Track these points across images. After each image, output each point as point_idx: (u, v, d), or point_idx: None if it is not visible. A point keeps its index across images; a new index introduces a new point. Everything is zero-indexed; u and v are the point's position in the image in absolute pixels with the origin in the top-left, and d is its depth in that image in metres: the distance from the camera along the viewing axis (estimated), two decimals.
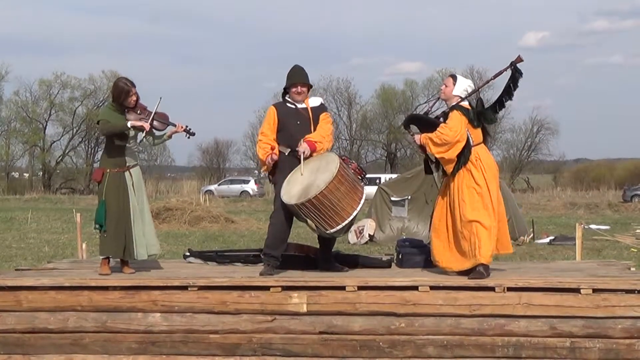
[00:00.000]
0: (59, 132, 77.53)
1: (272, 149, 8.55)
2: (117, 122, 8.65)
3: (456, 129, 8.14)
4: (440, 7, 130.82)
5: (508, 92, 8.31)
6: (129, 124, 8.58)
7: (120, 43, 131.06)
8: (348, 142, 79.60)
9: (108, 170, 8.71)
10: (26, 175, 79.59)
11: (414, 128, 8.58)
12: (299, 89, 8.70)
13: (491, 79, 8.67)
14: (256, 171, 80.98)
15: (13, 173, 79.09)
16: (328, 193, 8.06)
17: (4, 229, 25.60)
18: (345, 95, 79.03)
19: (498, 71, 8.35)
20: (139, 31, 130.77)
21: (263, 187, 61.29)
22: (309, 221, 8.28)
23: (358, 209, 8.32)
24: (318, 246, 8.85)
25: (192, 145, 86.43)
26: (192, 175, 78.44)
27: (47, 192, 64.69)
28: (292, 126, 8.62)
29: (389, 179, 33.81)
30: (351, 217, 8.31)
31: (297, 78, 8.74)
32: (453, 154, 8.18)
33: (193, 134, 8.94)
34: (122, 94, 8.70)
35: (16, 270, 9.76)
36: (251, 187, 61.76)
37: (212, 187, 60.47)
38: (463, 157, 8.21)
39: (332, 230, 8.31)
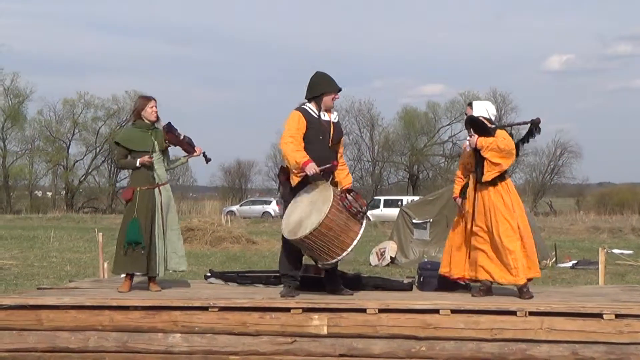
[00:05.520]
0: (82, 152, 77.91)
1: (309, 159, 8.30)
2: (127, 163, 9.01)
3: (512, 143, 8.48)
4: (463, 29, 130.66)
5: (525, 140, 8.81)
6: (137, 163, 8.85)
7: (143, 64, 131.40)
8: (370, 163, 79.50)
9: (138, 189, 8.82)
10: (49, 194, 79.85)
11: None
12: (337, 95, 8.61)
13: (511, 124, 9.08)
14: (278, 192, 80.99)
15: (36, 192, 79.34)
16: (313, 237, 8.07)
17: (27, 247, 25.67)
18: (367, 116, 78.94)
19: (520, 122, 9.02)
20: (161, 52, 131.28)
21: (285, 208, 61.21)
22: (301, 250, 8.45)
23: (349, 249, 8.26)
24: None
25: (215, 166, 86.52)
26: (214, 195, 78.32)
27: (69, 211, 64.84)
28: (316, 142, 8.45)
29: (411, 201, 33.74)
30: (341, 257, 8.28)
31: (335, 86, 8.57)
32: (508, 163, 8.49)
33: (210, 160, 9.41)
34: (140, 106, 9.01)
35: (38, 289, 9.81)
36: (273, 208, 61.64)
37: (234, 208, 60.46)
38: (506, 172, 8.61)
39: (322, 263, 8.40)
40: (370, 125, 79.19)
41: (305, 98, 8.63)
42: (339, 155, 8.72)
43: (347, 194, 8.32)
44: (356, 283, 8.97)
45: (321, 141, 8.50)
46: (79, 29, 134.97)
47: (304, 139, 8.42)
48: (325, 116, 8.59)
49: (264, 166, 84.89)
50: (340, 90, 8.64)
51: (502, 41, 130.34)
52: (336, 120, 8.73)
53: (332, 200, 8.13)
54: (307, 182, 8.42)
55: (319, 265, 8.48)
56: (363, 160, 79.16)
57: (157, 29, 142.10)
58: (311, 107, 8.56)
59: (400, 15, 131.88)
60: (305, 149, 8.40)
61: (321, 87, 8.56)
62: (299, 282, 8.56)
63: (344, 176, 8.72)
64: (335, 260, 8.27)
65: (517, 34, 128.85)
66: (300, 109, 8.58)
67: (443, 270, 8.91)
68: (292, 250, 8.50)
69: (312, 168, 8.25)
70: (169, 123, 9.09)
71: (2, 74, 73.62)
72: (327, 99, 8.55)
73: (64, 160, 76.75)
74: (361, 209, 8.29)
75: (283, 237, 8.53)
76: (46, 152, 76.39)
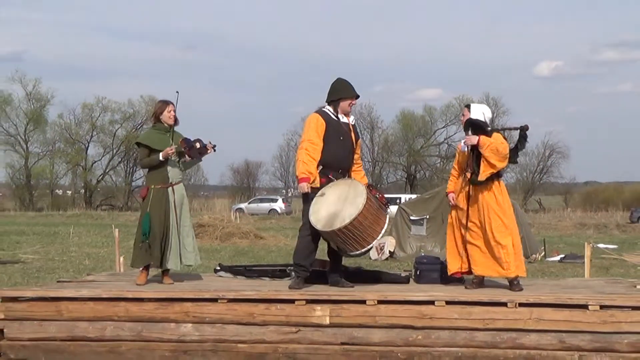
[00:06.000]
0: (99, 153, 77.94)
1: (313, 177, 8.36)
2: (151, 160, 8.93)
3: (507, 148, 8.46)
4: (459, 36, 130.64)
5: (517, 148, 8.68)
6: (160, 157, 8.84)
7: (157, 69, 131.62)
8: (370, 164, 79.44)
9: (152, 187, 8.87)
10: (69, 192, 79.87)
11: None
12: (354, 101, 8.63)
13: (503, 128, 9.23)
14: (284, 191, 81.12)
15: (57, 190, 79.39)
16: (352, 227, 8.07)
17: (48, 242, 25.72)
18: (367, 119, 78.89)
19: (511, 127, 9.22)
20: (173, 57, 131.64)
21: (290, 205, 61.48)
22: (331, 242, 8.36)
23: (379, 237, 8.32)
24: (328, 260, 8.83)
25: (224, 166, 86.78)
26: (223, 193, 78.43)
27: (88, 208, 64.90)
28: (335, 142, 8.46)
29: (409, 199, 33.73)
30: (371, 245, 8.31)
31: (353, 92, 8.59)
32: (502, 166, 8.45)
33: (215, 145, 9.18)
34: (159, 109, 9.04)
35: (58, 281, 9.83)
36: (279, 205, 61.80)
37: (243, 205, 60.43)
38: (497, 175, 8.52)
39: (351, 253, 8.37)
40: (371, 127, 79.27)
41: (326, 102, 8.68)
42: (356, 156, 8.77)
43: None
44: (356, 276, 8.96)
45: (341, 142, 8.53)
46: (97, 36, 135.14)
47: (323, 139, 8.44)
48: (343, 119, 8.61)
49: (270, 166, 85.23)
50: (357, 97, 8.66)
51: (496, 48, 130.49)
52: (353, 123, 8.77)
53: (365, 192, 8.21)
54: (329, 181, 8.43)
55: (345, 254, 8.47)
56: (363, 160, 78.78)
57: (168, 35, 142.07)
58: (330, 109, 8.60)
59: (400, 21, 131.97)
60: (325, 149, 8.43)
61: (339, 92, 8.60)
62: (309, 273, 8.54)
63: (360, 177, 8.76)
64: (366, 248, 8.28)
65: (510, 41, 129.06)
66: (320, 111, 8.62)
67: (463, 267, 8.69)
68: (310, 242, 8.46)
69: (304, 187, 8.35)
70: (185, 139, 9.02)
71: (24, 80, 73.79)
72: (344, 104, 8.58)
73: (83, 160, 76.81)
74: (385, 200, 8.55)
75: (301, 230, 8.53)
76: (66, 153, 76.43)
